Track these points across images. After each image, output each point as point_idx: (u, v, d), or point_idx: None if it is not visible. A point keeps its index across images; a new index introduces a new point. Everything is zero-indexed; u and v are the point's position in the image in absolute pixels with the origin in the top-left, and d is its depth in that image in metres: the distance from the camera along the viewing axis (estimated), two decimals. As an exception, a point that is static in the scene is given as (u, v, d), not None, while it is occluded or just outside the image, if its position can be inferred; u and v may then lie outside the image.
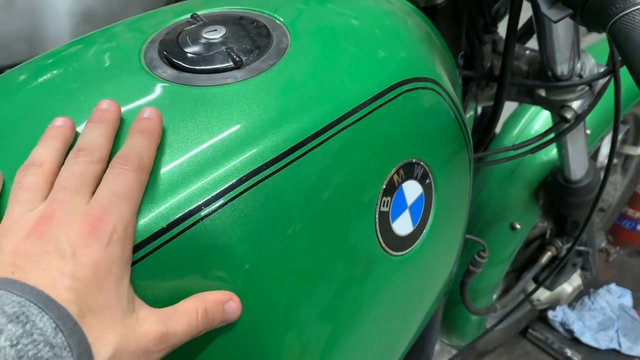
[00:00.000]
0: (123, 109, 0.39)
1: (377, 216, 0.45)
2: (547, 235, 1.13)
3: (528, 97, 0.70)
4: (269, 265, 0.39)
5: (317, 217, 0.41)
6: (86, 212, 0.31)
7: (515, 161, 1.00)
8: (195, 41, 0.44)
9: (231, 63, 0.42)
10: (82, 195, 0.32)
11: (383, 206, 0.45)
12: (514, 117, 1.05)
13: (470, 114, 0.76)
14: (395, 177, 0.46)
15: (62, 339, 0.26)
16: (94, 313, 0.29)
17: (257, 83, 0.41)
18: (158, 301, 0.35)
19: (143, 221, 0.34)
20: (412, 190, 0.48)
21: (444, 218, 0.54)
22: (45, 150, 0.34)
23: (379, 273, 0.47)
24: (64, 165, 0.34)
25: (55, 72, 0.46)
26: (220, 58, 0.42)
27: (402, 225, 0.48)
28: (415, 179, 0.48)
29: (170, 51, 0.43)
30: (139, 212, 0.34)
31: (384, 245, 0.46)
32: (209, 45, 0.44)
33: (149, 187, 0.35)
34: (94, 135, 0.35)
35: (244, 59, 0.43)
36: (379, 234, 0.45)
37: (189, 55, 0.43)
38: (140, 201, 0.34)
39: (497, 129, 1.09)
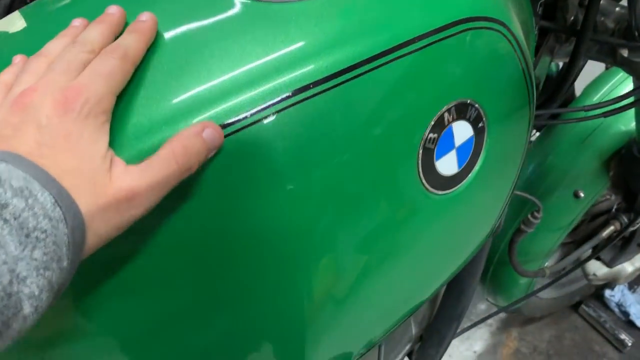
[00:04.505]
0: (187, 20, 0.41)
1: (420, 151, 0.45)
2: (614, 209, 1.08)
3: (609, 57, 0.66)
4: (309, 186, 0.41)
5: (358, 141, 0.42)
6: (64, 86, 0.33)
7: (589, 127, 0.95)
8: (264, -42, 0.45)
9: (296, -18, 0.43)
10: (67, 75, 0.34)
11: (428, 142, 0.46)
12: (596, 82, 0.99)
13: (542, 68, 0.73)
14: (446, 114, 0.46)
15: (59, 213, 0.29)
16: (68, 175, 0.31)
17: (319, 4, 0.42)
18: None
19: (193, 121, 0.37)
20: (462, 131, 0.48)
21: (492, 167, 0.53)
22: (55, 45, 0.37)
23: (416, 208, 0.48)
24: (59, 54, 0.36)
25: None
26: (286, -23, 0.43)
27: (446, 164, 0.48)
28: (467, 120, 0.48)
29: (240, -34, 0.44)
30: (193, 114, 0.37)
31: (424, 181, 0.47)
32: (277, -37, 0.45)
33: (203, 93, 0.37)
34: (92, 32, 0.37)
35: (308, -21, 0.43)
36: (420, 169, 0.46)
37: (256, -29, 0.44)
38: (121, 85, 0.35)
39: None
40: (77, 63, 0.35)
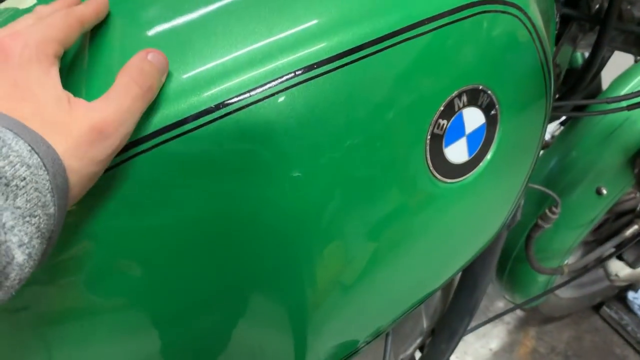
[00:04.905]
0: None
1: (428, 137, 0.44)
2: (638, 208, 1.05)
3: (635, 47, 0.64)
4: (312, 170, 0.40)
5: (363, 125, 0.41)
6: (2, 36, 0.33)
7: (614, 122, 0.92)
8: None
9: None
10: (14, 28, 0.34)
11: (437, 128, 0.44)
12: (624, 76, 0.96)
13: (564, 57, 0.71)
14: (456, 100, 0.44)
15: (37, 159, 0.29)
16: (30, 122, 0.30)
17: (327, -18, 0.41)
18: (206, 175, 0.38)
19: (194, 99, 0.36)
20: (473, 118, 0.46)
21: (505, 158, 0.52)
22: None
23: (424, 196, 0.47)
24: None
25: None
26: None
27: (456, 152, 0.47)
28: (479, 107, 0.46)
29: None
30: (195, 92, 0.36)
31: (431, 168, 0.46)
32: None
33: (205, 71, 0.37)
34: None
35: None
36: (428, 155, 0.45)
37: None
38: (64, 35, 0.34)
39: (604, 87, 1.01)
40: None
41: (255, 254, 0.43)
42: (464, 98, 0.45)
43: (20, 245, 0.28)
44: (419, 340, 0.89)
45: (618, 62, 0.93)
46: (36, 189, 0.28)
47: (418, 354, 0.95)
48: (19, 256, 0.28)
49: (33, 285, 0.40)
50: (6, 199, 0.27)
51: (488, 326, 1.48)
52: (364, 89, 0.40)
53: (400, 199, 0.46)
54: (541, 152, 1.10)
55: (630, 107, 0.67)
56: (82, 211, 0.37)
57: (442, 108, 0.44)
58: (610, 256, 0.88)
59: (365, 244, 0.46)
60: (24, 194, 0.28)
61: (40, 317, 0.43)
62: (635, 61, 0.98)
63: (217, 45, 0.38)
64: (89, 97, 0.33)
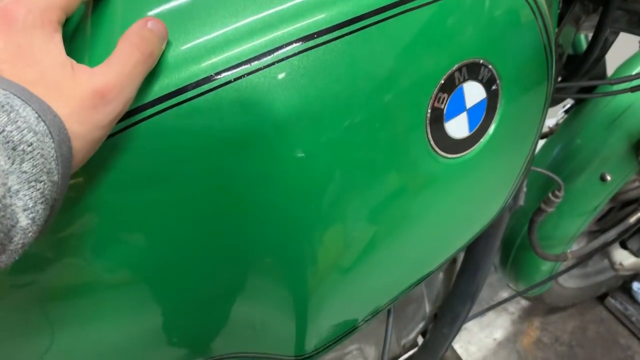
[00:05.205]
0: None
1: (429, 111, 0.44)
2: (643, 196, 1.05)
3: (639, 28, 0.64)
4: (311, 141, 0.40)
5: (363, 96, 0.41)
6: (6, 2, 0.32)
7: (619, 108, 0.92)
8: None
9: None
10: None
11: (437, 102, 0.44)
12: (630, 61, 0.96)
13: (566, 38, 0.70)
14: (457, 74, 0.44)
15: (44, 127, 0.29)
16: (34, 87, 0.30)
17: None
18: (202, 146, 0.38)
19: (194, 68, 0.37)
20: (473, 92, 0.46)
21: (506, 135, 0.52)
22: None
23: (423, 171, 0.47)
24: None
25: None
26: None
27: (457, 127, 0.47)
28: (480, 81, 0.46)
29: None
30: (195, 61, 0.36)
31: (432, 142, 0.46)
32: None
33: (206, 41, 0.37)
34: None
35: None
36: (428, 129, 0.45)
37: None
38: (67, 3, 0.34)
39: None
40: None
41: (256, 231, 0.43)
42: (465, 72, 0.45)
43: (24, 210, 0.28)
44: (421, 325, 0.89)
45: (626, 50, 0.93)
46: (42, 155, 0.29)
47: (420, 340, 0.95)
48: (23, 220, 0.28)
49: (38, 259, 0.41)
50: (12, 163, 0.27)
51: (492, 316, 1.49)
52: (364, 59, 0.40)
53: (400, 173, 0.46)
54: (545, 139, 1.10)
55: (634, 89, 0.66)
56: (85, 180, 0.38)
57: (442, 81, 0.44)
58: (613, 241, 0.88)
59: (365, 220, 0.47)
60: (30, 159, 0.28)
61: (46, 291, 0.43)
62: (641, 47, 0.98)
63: (217, 15, 0.38)
64: (92, 65, 0.34)
